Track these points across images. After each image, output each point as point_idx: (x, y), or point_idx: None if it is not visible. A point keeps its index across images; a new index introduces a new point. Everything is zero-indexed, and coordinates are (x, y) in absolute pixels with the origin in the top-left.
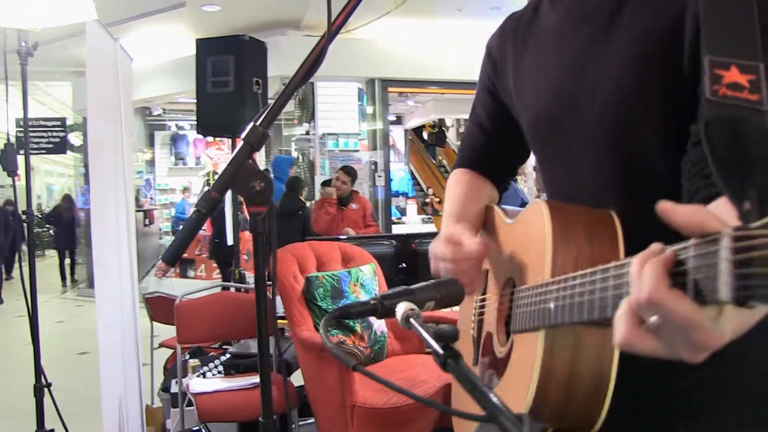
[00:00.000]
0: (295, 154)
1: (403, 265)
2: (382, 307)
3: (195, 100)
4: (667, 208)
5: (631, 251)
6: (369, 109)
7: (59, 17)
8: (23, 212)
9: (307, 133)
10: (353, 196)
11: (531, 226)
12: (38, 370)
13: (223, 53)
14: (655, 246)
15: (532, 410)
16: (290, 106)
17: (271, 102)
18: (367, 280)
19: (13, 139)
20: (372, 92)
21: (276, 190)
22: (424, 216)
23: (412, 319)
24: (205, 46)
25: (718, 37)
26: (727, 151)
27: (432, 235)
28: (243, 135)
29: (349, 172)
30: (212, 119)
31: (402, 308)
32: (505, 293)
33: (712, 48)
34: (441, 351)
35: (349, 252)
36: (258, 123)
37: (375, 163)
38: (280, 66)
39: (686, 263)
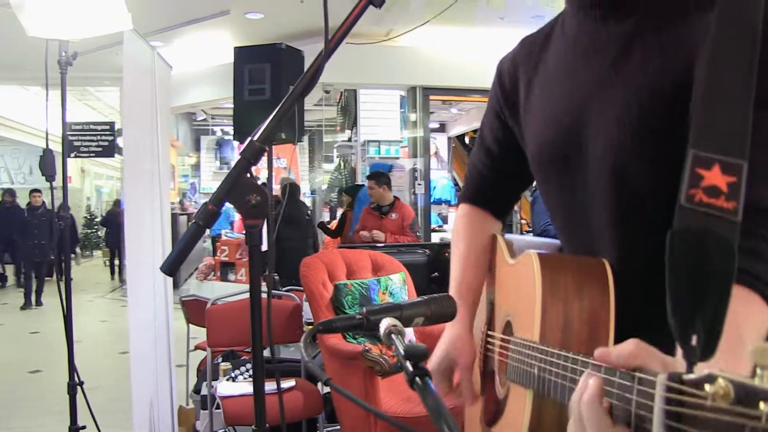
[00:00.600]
0: (336, 160)
1: (436, 274)
2: (368, 322)
3: None
4: (602, 352)
5: (627, 297)
6: (411, 117)
7: (97, 28)
8: (58, 216)
9: (350, 139)
10: (395, 204)
11: (523, 278)
12: (71, 369)
13: (259, 61)
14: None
15: None
16: (332, 112)
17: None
18: (396, 288)
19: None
20: (413, 100)
21: None
22: None
23: (393, 335)
24: (242, 54)
25: (707, 126)
26: (686, 273)
27: None
28: (241, 149)
29: (374, 176)
30: (248, 126)
31: (385, 324)
32: (504, 338)
33: (698, 140)
34: (410, 369)
35: (379, 260)
36: (255, 138)
37: (416, 170)
38: (323, 74)
39: (625, 400)
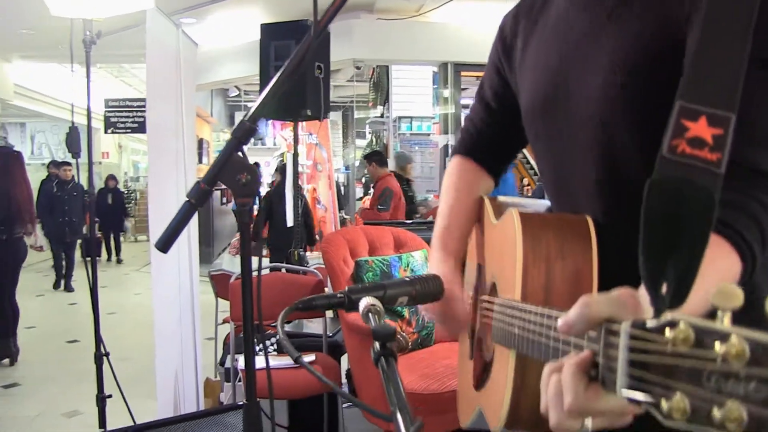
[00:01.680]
0: (368, 136)
1: None
2: (348, 301)
3: None
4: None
5: (611, 252)
6: (444, 93)
7: (118, 6)
8: (85, 192)
9: (382, 115)
10: (379, 180)
11: (506, 237)
12: (98, 340)
13: (285, 38)
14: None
15: (508, 421)
16: (364, 88)
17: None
18: (417, 265)
19: (98, 121)
20: (445, 76)
21: None
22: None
23: (370, 314)
24: (268, 31)
25: (697, 78)
26: (661, 222)
27: None
28: (232, 129)
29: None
30: (274, 104)
31: (364, 303)
32: (489, 299)
33: (686, 91)
34: (377, 349)
35: (401, 237)
36: (246, 118)
37: (447, 147)
38: (353, 49)
39: (597, 356)
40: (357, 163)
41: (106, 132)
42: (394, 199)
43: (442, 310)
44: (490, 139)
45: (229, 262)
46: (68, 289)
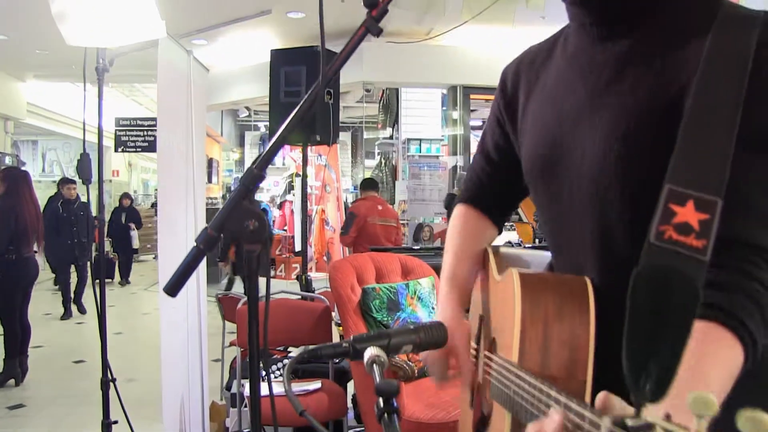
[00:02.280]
0: (377, 158)
1: None
2: (354, 350)
3: None
4: None
5: (608, 314)
6: (452, 114)
7: (131, 36)
8: (96, 218)
9: (391, 137)
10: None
11: (507, 296)
12: (105, 365)
13: (295, 64)
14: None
15: None
16: (374, 109)
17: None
18: (424, 293)
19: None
20: (454, 98)
21: None
22: (508, 223)
23: (375, 365)
24: (278, 57)
25: (686, 161)
26: (645, 312)
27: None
28: (240, 177)
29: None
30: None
31: (368, 354)
32: (488, 355)
33: (675, 174)
34: (381, 405)
35: (409, 264)
36: (254, 166)
37: (456, 167)
38: (363, 72)
39: None
40: None
41: (116, 151)
42: (356, 223)
43: (442, 358)
44: (492, 189)
45: (238, 284)
46: (81, 310)
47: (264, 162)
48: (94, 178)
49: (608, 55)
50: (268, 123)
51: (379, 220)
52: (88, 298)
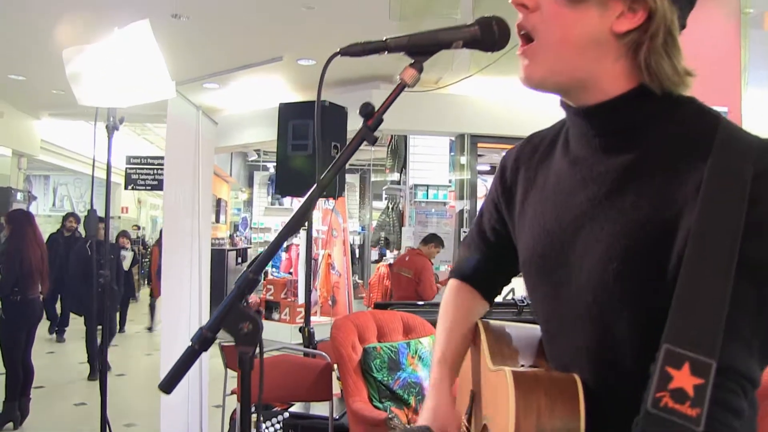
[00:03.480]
0: (384, 202)
1: None
2: None
3: None
4: None
5: (594, 416)
6: (460, 159)
7: (142, 97)
8: (99, 274)
9: (398, 182)
10: None
11: (500, 390)
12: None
13: (303, 117)
14: None
15: None
16: (382, 152)
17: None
18: (426, 352)
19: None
20: (462, 145)
21: None
22: None
23: None
24: (286, 110)
25: (684, 318)
26: None
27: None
28: (236, 280)
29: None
30: (289, 180)
31: None
32: None
33: (672, 333)
34: None
35: (411, 322)
36: (249, 269)
37: (462, 212)
38: None
39: None
40: (374, 224)
41: (126, 188)
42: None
43: None
44: (486, 267)
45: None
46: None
47: (259, 266)
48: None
49: (609, 167)
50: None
51: (398, 269)
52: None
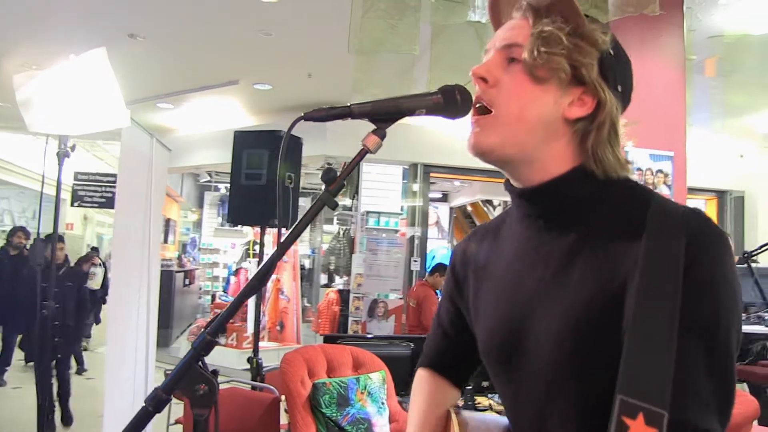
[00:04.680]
0: (336, 227)
1: None
2: None
3: None
4: None
5: None
6: (413, 187)
7: (96, 125)
8: (41, 305)
9: (350, 208)
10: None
11: None
12: None
13: (258, 147)
14: None
15: None
16: None
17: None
18: (375, 388)
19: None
20: (415, 173)
21: None
22: None
23: None
24: (241, 138)
25: (634, 371)
26: None
27: None
28: (193, 342)
29: None
30: (242, 210)
31: None
32: None
33: (625, 385)
34: None
35: (360, 357)
36: (207, 330)
37: (413, 238)
38: (326, 146)
39: None
40: (324, 247)
41: (72, 205)
42: None
43: None
44: (450, 360)
45: (187, 348)
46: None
47: (217, 327)
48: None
49: (554, 247)
50: (228, 184)
51: (407, 300)
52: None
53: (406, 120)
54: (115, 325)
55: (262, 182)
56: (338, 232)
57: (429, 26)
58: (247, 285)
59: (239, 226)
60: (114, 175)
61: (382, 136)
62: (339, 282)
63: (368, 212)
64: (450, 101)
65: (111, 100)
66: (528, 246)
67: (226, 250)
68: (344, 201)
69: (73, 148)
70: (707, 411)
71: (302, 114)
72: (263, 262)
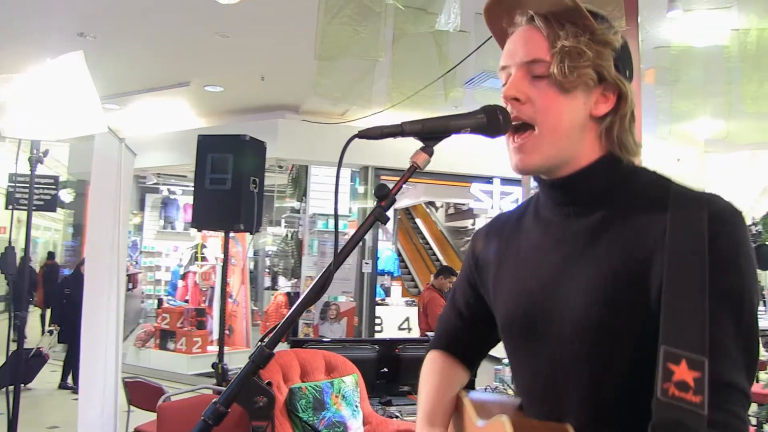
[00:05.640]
0: (283, 229)
1: (385, 369)
2: None
3: (188, 165)
4: None
5: None
6: (360, 189)
7: (71, 130)
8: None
9: (298, 211)
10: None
11: None
12: None
13: (223, 151)
14: None
15: None
16: (283, 179)
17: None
18: (348, 391)
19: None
20: (365, 176)
21: None
22: (408, 299)
23: None
24: (205, 143)
25: (674, 325)
26: None
27: (413, 341)
28: (251, 355)
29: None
30: (207, 215)
31: None
32: None
33: (668, 337)
34: None
35: (332, 361)
36: (264, 344)
37: (363, 240)
38: (276, 148)
39: None
40: (268, 250)
41: (7, 208)
42: None
43: None
44: (464, 340)
45: (134, 355)
46: None
47: (274, 340)
48: None
49: (581, 227)
50: (170, 186)
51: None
52: None
53: (358, 123)
54: (88, 333)
55: (227, 186)
56: (286, 235)
57: (391, 32)
58: (305, 297)
59: (180, 224)
60: (53, 177)
61: (431, 153)
62: (285, 285)
63: (317, 214)
64: (492, 120)
65: (87, 105)
66: (556, 228)
67: (168, 253)
68: (291, 203)
69: (45, 153)
70: (736, 367)
71: (357, 132)
72: (319, 275)
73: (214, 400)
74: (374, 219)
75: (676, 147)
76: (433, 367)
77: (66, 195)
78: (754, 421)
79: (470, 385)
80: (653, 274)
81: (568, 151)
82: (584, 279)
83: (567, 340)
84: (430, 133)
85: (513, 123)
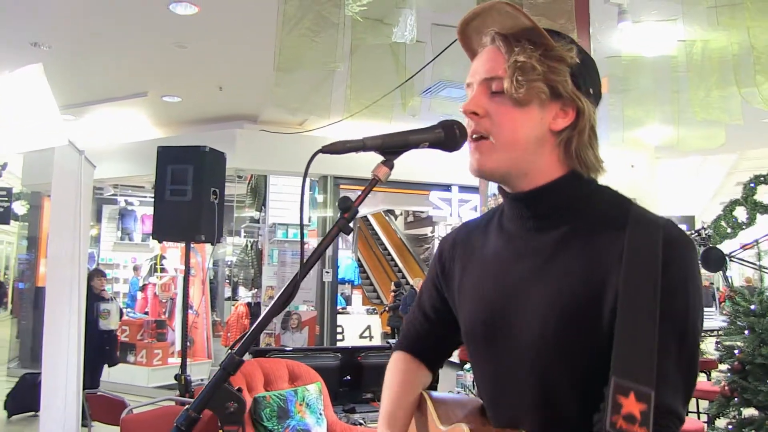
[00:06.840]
0: (243, 240)
1: (348, 377)
2: None
3: (147, 176)
4: None
5: None
6: (320, 198)
7: (30, 144)
8: None
9: (257, 220)
10: None
11: None
12: None
13: (183, 162)
14: None
15: None
16: (243, 189)
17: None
18: (312, 399)
19: None
20: (324, 186)
21: None
22: (369, 307)
23: None
24: (165, 154)
25: (625, 355)
26: None
27: (375, 349)
28: (221, 362)
29: None
30: (168, 226)
31: None
32: None
33: (618, 369)
34: None
35: (296, 370)
36: (234, 351)
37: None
38: (235, 158)
39: None
40: (228, 260)
41: None
42: None
43: None
44: (428, 342)
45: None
46: None
47: (244, 347)
48: None
49: (541, 243)
50: (128, 197)
51: None
52: None
53: (316, 133)
54: (50, 349)
55: (188, 198)
56: (246, 245)
57: (349, 43)
58: (272, 306)
59: (139, 235)
60: (6, 189)
61: (391, 167)
62: (245, 295)
63: (276, 224)
64: (450, 135)
65: (47, 118)
66: (518, 240)
67: (126, 265)
68: (251, 213)
69: (4, 166)
70: (677, 394)
71: (321, 147)
72: (287, 284)
73: (187, 406)
74: (338, 230)
75: (629, 153)
76: (396, 367)
77: (19, 207)
78: (704, 417)
79: (432, 389)
80: (607, 297)
81: (526, 162)
82: (541, 295)
83: (523, 350)
84: (391, 147)
85: (472, 136)
